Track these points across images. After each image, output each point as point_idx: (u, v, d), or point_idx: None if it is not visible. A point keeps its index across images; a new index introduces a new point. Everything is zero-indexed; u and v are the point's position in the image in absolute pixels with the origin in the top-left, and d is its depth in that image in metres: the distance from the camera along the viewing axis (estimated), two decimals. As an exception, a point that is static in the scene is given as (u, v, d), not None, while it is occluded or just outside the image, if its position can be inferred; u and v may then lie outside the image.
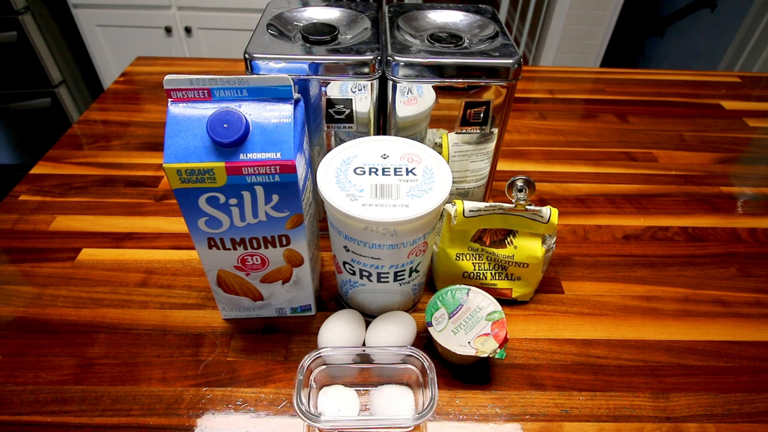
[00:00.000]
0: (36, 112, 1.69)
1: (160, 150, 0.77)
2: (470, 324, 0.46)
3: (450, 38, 0.50)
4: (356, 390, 0.46)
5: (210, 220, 0.41)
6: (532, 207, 0.49)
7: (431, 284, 0.57)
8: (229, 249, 0.44)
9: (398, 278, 0.47)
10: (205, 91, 0.38)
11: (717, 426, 0.44)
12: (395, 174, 0.44)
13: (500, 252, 0.52)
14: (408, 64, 0.47)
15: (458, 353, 0.44)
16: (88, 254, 0.59)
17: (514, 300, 0.54)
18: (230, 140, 0.37)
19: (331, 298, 0.55)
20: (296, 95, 0.40)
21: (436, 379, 0.41)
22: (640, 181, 0.74)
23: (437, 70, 0.47)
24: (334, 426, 0.40)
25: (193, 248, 0.60)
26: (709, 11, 2.20)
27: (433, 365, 0.42)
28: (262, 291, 0.49)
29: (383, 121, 0.52)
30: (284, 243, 0.44)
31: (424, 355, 0.43)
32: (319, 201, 0.54)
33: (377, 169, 0.44)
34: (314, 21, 0.53)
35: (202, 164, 0.37)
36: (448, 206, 0.50)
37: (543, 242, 0.51)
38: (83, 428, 0.43)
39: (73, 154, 0.75)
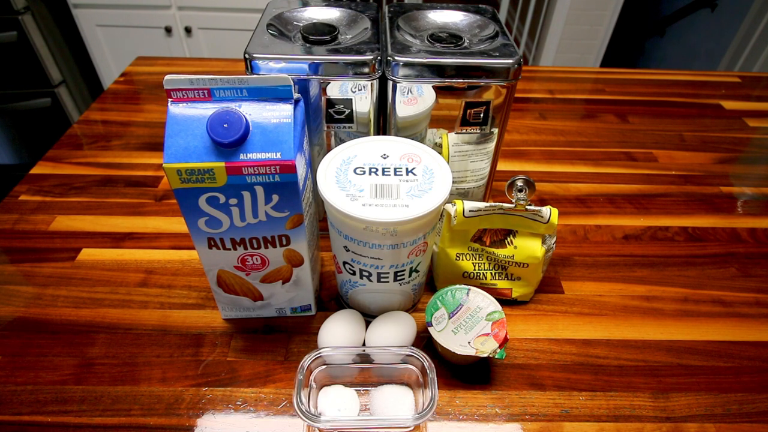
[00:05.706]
0: (36, 112, 1.69)
1: (160, 150, 0.77)
2: (470, 324, 0.46)
3: (450, 38, 0.50)
4: (356, 390, 0.46)
5: (210, 220, 0.41)
6: (532, 207, 0.49)
7: (431, 284, 0.57)
8: (229, 249, 0.44)
9: (398, 278, 0.47)
10: (205, 91, 0.38)
11: (717, 426, 0.44)
12: (395, 174, 0.44)
13: (500, 252, 0.52)
14: (408, 64, 0.47)
15: (458, 353, 0.44)
16: (88, 254, 0.59)
17: (514, 300, 0.54)
18: (230, 140, 0.37)
19: (331, 298, 0.55)
20: (296, 95, 0.40)
21: (436, 379, 0.41)
22: (640, 181, 0.74)
23: (437, 70, 0.47)
24: (334, 426, 0.40)
25: (193, 248, 0.60)
26: (709, 11, 2.20)
27: (433, 365, 0.42)
28: (262, 291, 0.49)
29: (383, 121, 0.52)
30: (284, 243, 0.44)
31: (424, 355, 0.42)
32: (319, 201, 0.54)
33: (377, 169, 0.44)
34: (314, 21, 0.53)
35: (202, 164, 0.37)
36: (448, 206, 0.50)
37: (543, 242, 0.51)
38: (83, 428, 0.43)
39: (73, 154, 0.75)
